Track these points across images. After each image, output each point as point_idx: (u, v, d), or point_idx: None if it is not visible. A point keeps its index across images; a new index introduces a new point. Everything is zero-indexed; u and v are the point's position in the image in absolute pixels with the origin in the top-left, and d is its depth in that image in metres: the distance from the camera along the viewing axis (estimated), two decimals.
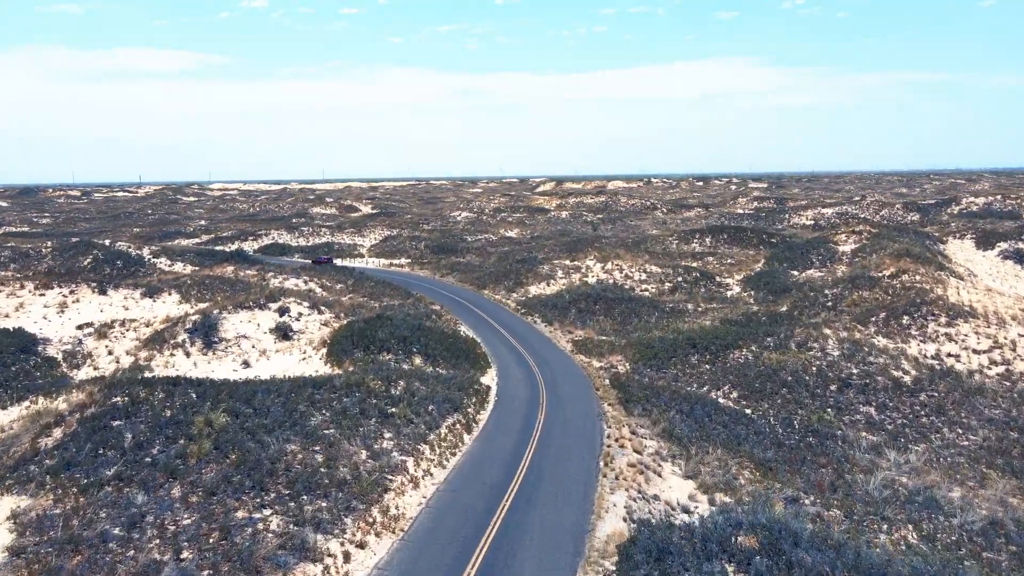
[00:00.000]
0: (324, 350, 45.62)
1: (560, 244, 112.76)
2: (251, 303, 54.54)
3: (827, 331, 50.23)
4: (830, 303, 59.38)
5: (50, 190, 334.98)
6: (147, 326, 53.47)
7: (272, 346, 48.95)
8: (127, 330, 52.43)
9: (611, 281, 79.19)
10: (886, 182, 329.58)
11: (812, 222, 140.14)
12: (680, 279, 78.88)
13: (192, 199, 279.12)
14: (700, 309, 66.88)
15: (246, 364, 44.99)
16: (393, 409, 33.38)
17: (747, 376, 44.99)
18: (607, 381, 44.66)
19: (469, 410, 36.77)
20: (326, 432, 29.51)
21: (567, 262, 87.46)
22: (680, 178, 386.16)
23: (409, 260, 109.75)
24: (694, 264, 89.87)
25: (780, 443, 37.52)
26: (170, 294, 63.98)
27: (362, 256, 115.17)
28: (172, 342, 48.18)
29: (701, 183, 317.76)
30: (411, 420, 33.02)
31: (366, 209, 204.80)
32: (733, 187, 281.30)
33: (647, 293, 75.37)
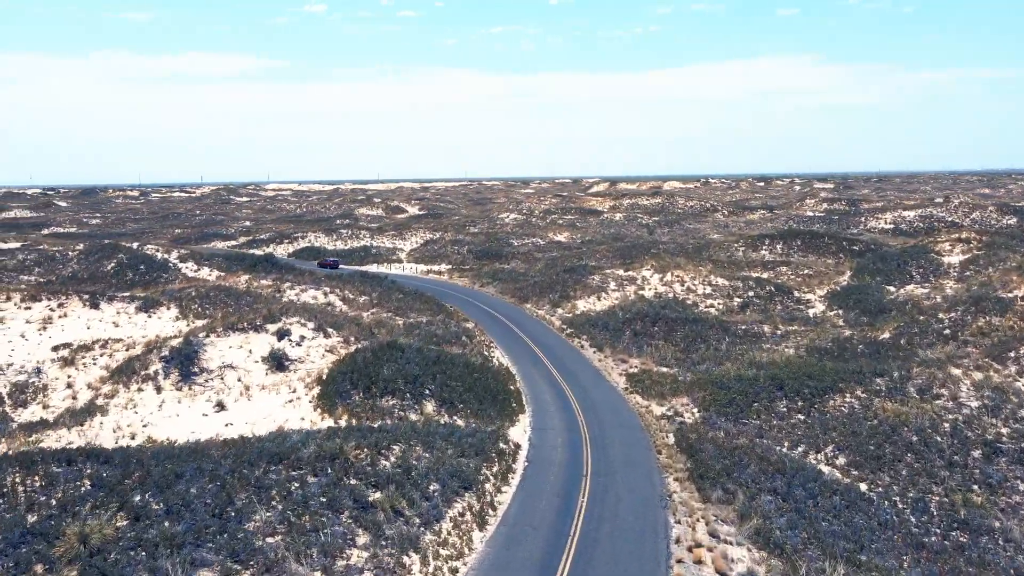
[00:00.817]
0: (317, 389, 36.44)
1: (613, 250, 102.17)
2: (246, 324, 45.82)
3: (955, 371, 38.80)
4: (947, 330, 47.62)
5: (110, 190, 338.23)
6: (127, 349, 45.29)
7: (261, 379, 40.03)
8: (102, 355, 44.27)
9: (671, 295, 68.43)
10: (965, 182, 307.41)
11: (892, 226, 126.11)
12: (751, 294, 67.60)
13: (244, 199, 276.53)
14: (779, 332, 55.71)
15: (220, 407, 36.05)
16: (376, 495, 23.80)
17: (857, 434, 34.02)
18: (671, 438, 34.29)
19: (487, 486, 26.98)
20: (267, 542, 20.15)
21: (621, 272, 76.93)
22: (739, 178, 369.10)
23: (449, 266, 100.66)
24: (765, 275, 78.32)
25: (918, 542, 26.71)
26: (168, 308, 55.93)
27: (400, 261, 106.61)
28: (143, 373, 39.69)
29: (762, 183, 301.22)
30: (401, 512, 23.40)
31: (413, 210, 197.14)
32: (797, 188, 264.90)
33: (713, 310, 64.40)
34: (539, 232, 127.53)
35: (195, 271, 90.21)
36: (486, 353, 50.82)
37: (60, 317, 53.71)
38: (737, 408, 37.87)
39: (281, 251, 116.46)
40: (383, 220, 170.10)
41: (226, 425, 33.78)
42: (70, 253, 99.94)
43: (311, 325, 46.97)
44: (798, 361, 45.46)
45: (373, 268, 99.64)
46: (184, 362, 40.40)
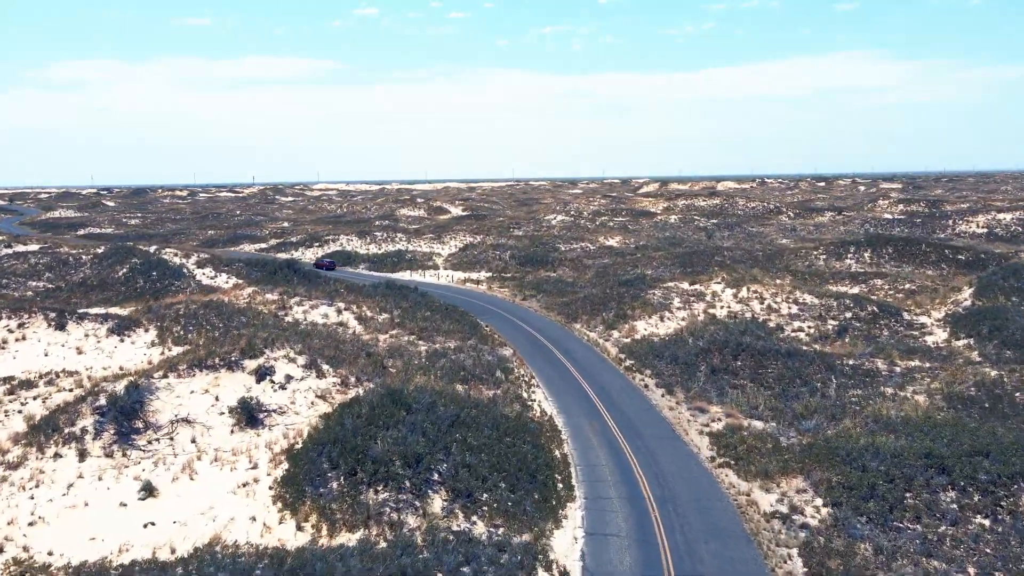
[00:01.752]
0: (285, 467, 25.72)
1: (672, 257, 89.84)
2: (218, 359, 35.42)
3: None
4: None
5: (159, 191, 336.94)
6: (75, 388, 35.36)
7: (223, 440, 29.50)
8: (36, 398, 34.37)
9: (748, 316, 56.17)
10: None
11: (986, 230, 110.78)
12: (849, 315, 54.89)
13: (288, 199, 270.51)
14: (898, 369, 43.12)
15: (148, 491, 25.48)
16: None
17: None
18: (796, 563, 22.55)
19: None
20: None
21: (685, 285, 64.80)
22: (796, 178, 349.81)
23: (489, 274, 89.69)
24: (855, 289, 65.43)
25: None
26: (146, 330, 46.08)
27: (436, 268, 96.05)
28: (68, 431, 29.52)
29: (823, 183, 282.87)
30: None
31: (456, 211, 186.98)
32: (861, 188, 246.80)
33: (803, 335, 52.02)
34: (588, 236, 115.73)
35: (211, 278, 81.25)
36: (525, 394, 39.63)
37: (17, 340, 44.28)
38: (883, 502, 25.82)
39: (310, 255, 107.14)
40: (424, 221, 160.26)
41: (146, 526, 23.25)
42: (83, 257, 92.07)
43: (302, 360, 36.32)
44: (946, 420, 33.08)
45: (405, 276, 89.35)
46: (124, 415, 30.11)
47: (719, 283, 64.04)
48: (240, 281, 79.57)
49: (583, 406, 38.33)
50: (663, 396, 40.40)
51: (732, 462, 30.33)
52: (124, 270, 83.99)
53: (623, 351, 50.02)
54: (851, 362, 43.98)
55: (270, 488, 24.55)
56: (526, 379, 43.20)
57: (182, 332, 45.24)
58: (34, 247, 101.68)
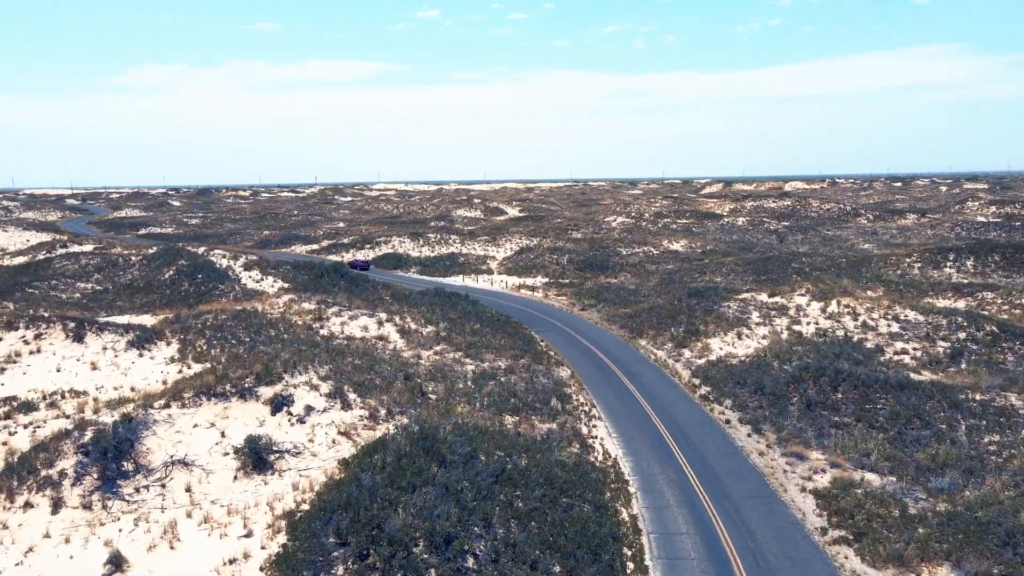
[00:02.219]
0: (281, 538, 20.39)
1: (744, 264, 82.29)
2: (229, 385, 30.51)
3: None
4: None
5: (224, 191, 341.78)
6: (80, 411, 30.98)
7: (224, 490, 24.46)
8: (31, 423, 30.00)
9: (840, 333, 48.82)
10: None
11: None
12: (962, 335, 46.98)
13: (347, 199, 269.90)
14: None
15: (116, 565, 20.38)
16: None
17: None
18: None
19: None
20: None
21: (764, 297, 57.59)
22: (869, 178, 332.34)
23: (546, 279, 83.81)
24: (962, 304, 57.17)
25: None
26: (168, 343, 41.77)
27: (490, 272, 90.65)
28: (44, 474, 24.91)
29: (899, 183, 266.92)
30: None
31: (513, 212, 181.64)
32: (943, 188, 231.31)
33: (908, 358, 44.48)
34: (651, 239, 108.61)
35: (257, 281, 77.86)
36: (585, 429, 33.66)
37: (31, 353, 40.50)
38: None
39: (361, 257, 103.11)
40: (479, 222, 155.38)
41: None
42: (133, 258, 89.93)
43: (326, 388, 31.12)
44: None
45: (457, 281, 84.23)
46: (111, 456, 25.35)
47: (803, 295, 56.67)
48: (286, 285, 75.93)
49: (654, 446, 32.09)
50: (749, 435, 33.78)
51: (850, 537, 23.68)
52: (171, 272, 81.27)
53: (697, 375, 43.46)
54: (978, 397, 36.46)
55: (261, 569, 19.22)
56: (586, 408, 37.18)
57: (205, 347, 40.73)
58: (88, 247, 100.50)
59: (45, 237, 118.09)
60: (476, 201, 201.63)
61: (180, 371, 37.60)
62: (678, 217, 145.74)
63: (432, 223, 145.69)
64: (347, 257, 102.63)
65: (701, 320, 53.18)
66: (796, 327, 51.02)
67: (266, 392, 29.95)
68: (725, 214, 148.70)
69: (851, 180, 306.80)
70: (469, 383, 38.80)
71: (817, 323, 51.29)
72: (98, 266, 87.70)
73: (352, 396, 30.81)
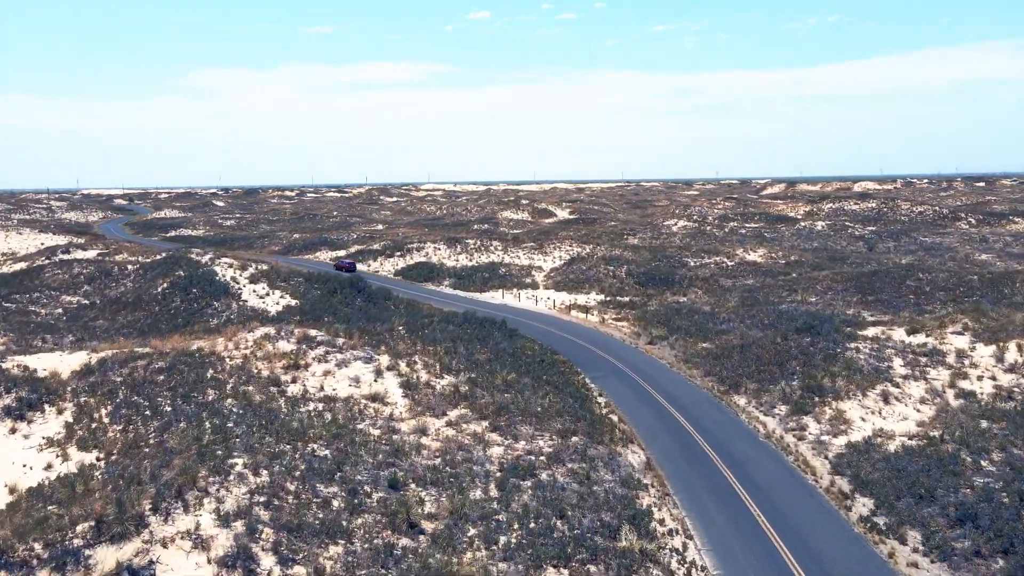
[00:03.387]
0: None
1: (844, 280, 66.26)
2: (41, 546, 16.86)
3: None
4: None
5: (269, 191, 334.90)
6: None
7: None
8: None
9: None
10: None
11: None
12: None
13: (392, 200, 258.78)
14: None
15: None
16: None
17: None
18: None
19: None
20: None
21: (901, 334, 41.78)
22: (943, 178, 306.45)
23: (601, 297, 69.06)
24: None
25: None
26: (61, 410, 28.56)
27: (535, 287, 76.28)
28: None
29: (982, 183, 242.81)
30: None
31: (562, 214, 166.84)
32: None
33: None
34: (722, 248, 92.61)
35: (262, 296, 65.57)
36: None
37: None
38: None
39: (389, 266, 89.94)
40: (526, 225, 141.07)
41: None
42: (129, 268, 78.46)
43: (224, 541, 17.15)
44: None
45: (496, 298, 70.22)
46: None
47: (959, 332, 40.76)
48: (292, 302, 63.45)
49: None
50: None
51: None
52: (164, 285, 69.32)
53: (839, 470, 28.27)
54: None
55: None
56: (678, 542, 22.53)
57: (108, 420, 27.33)
58: (91, 254, 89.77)
59: (61, 240, 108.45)
60: (524, 202, 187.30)
61: (49, 465, 24.30)
62: (745, 221, 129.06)
63: (475, 226, 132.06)
64: (379, 267, 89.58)
65: (822, 370, 37.79)
66: (962, 383, 35.36)
67: (105, 558, 16.15)
68: (800, 217, 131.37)
69: (925, 180, 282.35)
70: (492, 489, 24.56)
71: (994, 378, 35.47)
72: (90, 276, 76.45)
73: (268, 561, 16.76)
